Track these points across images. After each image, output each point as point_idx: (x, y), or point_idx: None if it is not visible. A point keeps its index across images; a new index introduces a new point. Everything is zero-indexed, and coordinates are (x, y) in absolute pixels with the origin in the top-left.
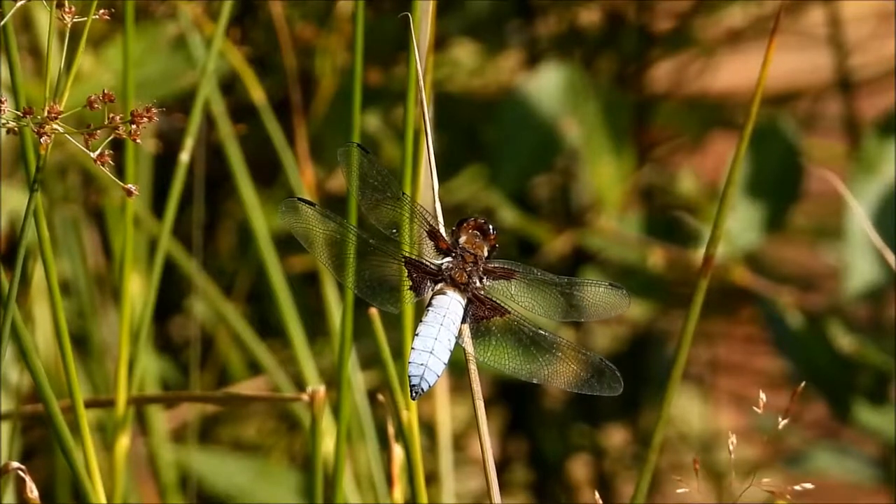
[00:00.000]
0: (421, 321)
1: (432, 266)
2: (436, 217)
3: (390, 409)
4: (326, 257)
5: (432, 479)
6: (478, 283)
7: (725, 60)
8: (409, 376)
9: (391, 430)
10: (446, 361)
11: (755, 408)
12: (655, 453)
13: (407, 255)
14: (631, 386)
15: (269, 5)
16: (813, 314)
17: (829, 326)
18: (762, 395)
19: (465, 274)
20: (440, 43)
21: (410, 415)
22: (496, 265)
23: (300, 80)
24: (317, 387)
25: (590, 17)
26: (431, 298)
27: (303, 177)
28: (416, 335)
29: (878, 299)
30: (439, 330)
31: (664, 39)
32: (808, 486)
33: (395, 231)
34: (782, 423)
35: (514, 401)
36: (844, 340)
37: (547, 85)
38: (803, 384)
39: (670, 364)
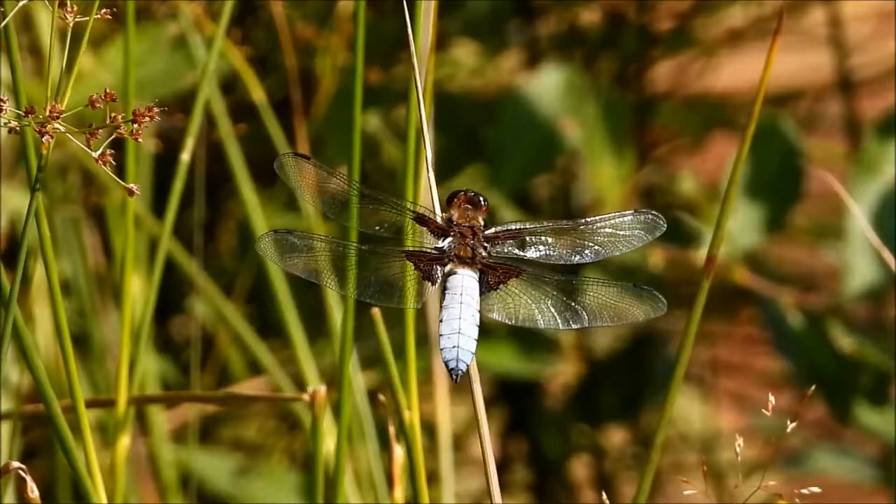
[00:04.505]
0: (441, 307)
1: (434, 251)
2: (415, 203)
3: (391, 409)
4: (329, 279)
5: (432, 479)
6: (483, 253)
7: (726, 61)
8: (445, 362)
9: (392, 430)
10: (476, 337)
11: (764, 410)
12: (657, 453)
13: (406, 249)
14: (631, 386)
15: (269, 5)
16: (813, 314)
17: (829, 327)
18: (771, 398)
19: (468, 248)
20: (440, 43)
21: (412, 414)
22: (498, 230)
23: (300, 80)
24: (317, 387)
25: (590, 17)
26: (444, 282)
27: None
28: (441, 321)
29: (878, 299)
30: (461, 309)
31: (664, 39)
32: (816, 489)
33: (379, 227)
34: (791, 426)
35: (514, 401)
36: (844, 341)
37: (547, 85)
38: (813, 388)
39: (672, 364)
